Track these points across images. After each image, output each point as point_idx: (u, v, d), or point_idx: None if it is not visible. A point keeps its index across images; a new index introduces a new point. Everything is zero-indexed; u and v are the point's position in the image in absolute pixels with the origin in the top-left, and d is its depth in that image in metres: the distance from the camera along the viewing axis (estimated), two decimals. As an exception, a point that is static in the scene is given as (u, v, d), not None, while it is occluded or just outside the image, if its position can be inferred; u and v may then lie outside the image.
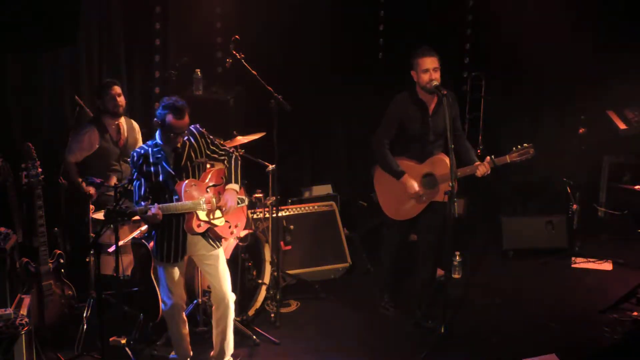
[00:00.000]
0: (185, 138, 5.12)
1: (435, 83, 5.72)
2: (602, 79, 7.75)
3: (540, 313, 6.29)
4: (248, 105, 7.35)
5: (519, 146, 5.79)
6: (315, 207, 7.24)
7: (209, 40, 7.54)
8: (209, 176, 5.24)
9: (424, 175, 5.91)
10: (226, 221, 5.25)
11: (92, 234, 5.83)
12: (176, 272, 5.23)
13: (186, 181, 5.09)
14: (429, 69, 5.75)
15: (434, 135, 5.93)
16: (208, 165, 5.31)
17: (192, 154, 5.14)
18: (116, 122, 6.33)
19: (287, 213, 7.04)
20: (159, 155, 5.05)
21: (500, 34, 8.01)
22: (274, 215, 6.34)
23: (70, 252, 6.22)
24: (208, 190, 5.19)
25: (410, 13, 7.96)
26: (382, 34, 8.20)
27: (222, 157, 5.30)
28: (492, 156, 5.79)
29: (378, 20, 8.16)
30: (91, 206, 5.91)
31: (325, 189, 7.65)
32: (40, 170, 5.37)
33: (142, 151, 5.08)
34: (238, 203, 5.32)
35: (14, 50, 6.11)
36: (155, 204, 4.94)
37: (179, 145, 5.08)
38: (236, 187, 5.27)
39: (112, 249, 5.59)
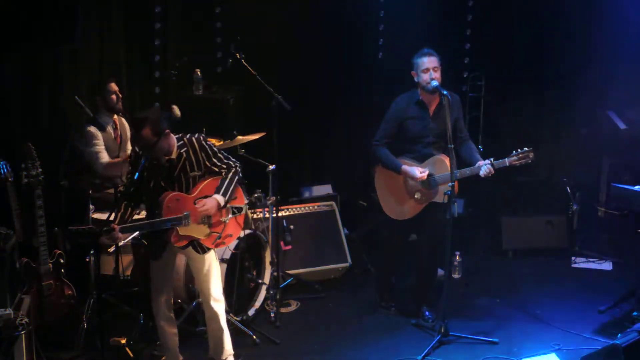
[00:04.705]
0: (183, 150, 5.02)
1: (435, 83, 5.73)
2: (603, 79, 7.76)
3: (540, 313, 6.29)
4: (248, 105, 7.34)
5: (518, 150, 5.76)
6: (315, 207, 7.24)
7: (209, 40, 7.54)
8: (199, 188, 5.08)
9: None
10: (213, 232, 5.15)
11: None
12: (158, 269, 5.19)
13: (170, 195, 4.98)
14: (429, 68, 5.77)
15: (434, 136, 5.93)
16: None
17: (188, 166, 5.03)
18: (112, 119, 6.33)
19: (287, 213, 7.03)
20: (155, 162, 4.97)
21: (500, 34, 8.01)
22: (274, 215, 6.34)
23: (70, 252, 6.22)
24: (196, 203, 5.05)
25: (410, 13, 7.96)
26: (382, 34, 8.20)
27: (222, 170, 5.16)
28: (492, 159, 5.78)
29: (378, 20, 8.17)
30: (91, 206, 5.91)
31: (325, 189, 7.64)
32: (40, 170, 5.37)
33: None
34: (233, 213, 5.21)
35: (14, 50, 6.12)
36: (117, 227, 4.87)
37: (173, 156, 4.99)
38: (221, 199, 5.07)
39: (112, 249, 5.59)
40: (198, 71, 7.16)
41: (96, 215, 5.93)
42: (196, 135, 5.11)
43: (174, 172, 5.02)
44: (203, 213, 5.04)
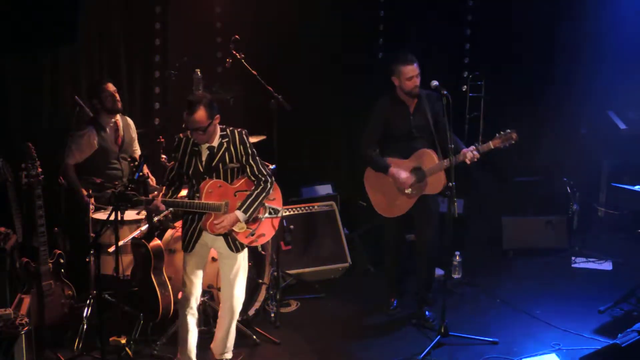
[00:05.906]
0: (225, 140, 5.08)
1: (436, 82, 5.78)
2: (603, 79, 7.76)
3: (540, 313, 6.29)
4: (248, 105, 7.35)
5: (501, 132, 5.85)
6: (315, 207, 7.24)
7: (209, 40, 7.54)
8: (241, 182, 5.16)
9: (411, 170, 5.98)
10: (248, 228, 5.18)
11: (92, 234, 5.83)
12: (191, 262, 5.22)
13: (212, 181, 5.05)
14: (412, 76, 5.93)
15: (417, 131, 6.05)
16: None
17: (227, 157, 5.08)
18: (113, 120, 6.32)
19: (287, 213, 7.03)
20: (196, 148, 5.05)
21: (500, 34, 8.01)
22: (274, 215, 6.33)
23: (70, 252, 6.22)
24: (236, 194, 5.12)
25: (410, 13, 7.97)
26: (382, 34, 8.21)
27: (253, 179, 5.16)
28: (477, 144, 5.88)
29: (378, 20, 8.17)
30: (91, 206, 5.90)
31: (325, 189, 7.65)
32: (40, 170, 5.37)
33: (184, 137, 5.07)
34: (270, 213, 5.23)
35: (14, 50, 6.11)
36: (158, 198, 4.98)
37: (214, 144, 5.05)
38: (241, 216, 5.08)
39: (112, 249, 5.59)
40: (198, 71, 7.15)
41: (96, 215, 5.92)
42: (239, 129, 5.17)
43: (212, 160, 5.06)
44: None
